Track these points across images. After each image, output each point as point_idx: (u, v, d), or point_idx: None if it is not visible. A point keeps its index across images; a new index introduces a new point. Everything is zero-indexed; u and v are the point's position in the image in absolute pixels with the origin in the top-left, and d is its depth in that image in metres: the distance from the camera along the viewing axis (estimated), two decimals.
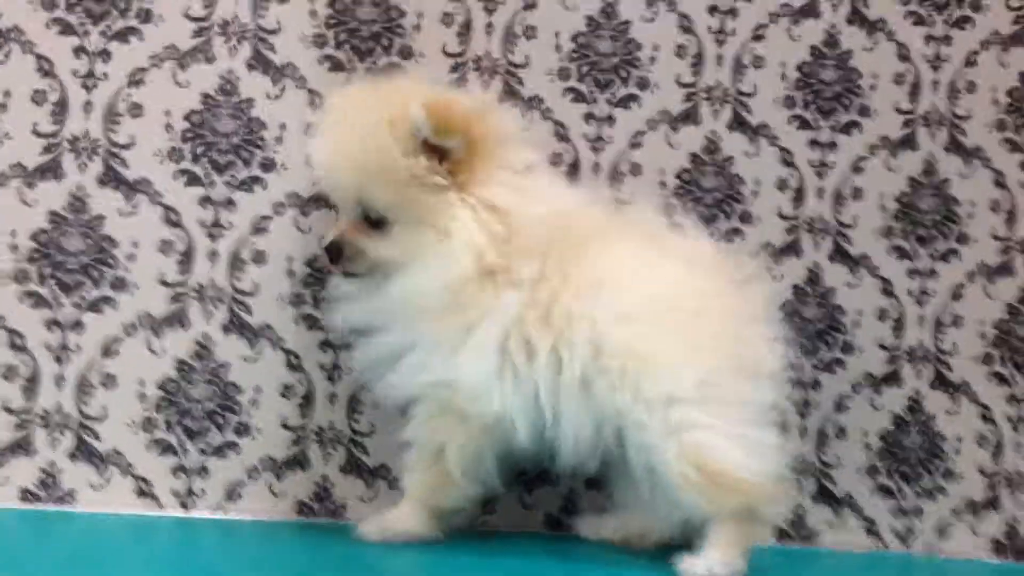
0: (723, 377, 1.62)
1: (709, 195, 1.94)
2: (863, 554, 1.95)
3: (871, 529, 1.98)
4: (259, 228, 1.83)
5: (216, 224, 1.82)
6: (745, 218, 1.95)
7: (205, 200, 1.82)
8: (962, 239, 2.01)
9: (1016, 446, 2.01)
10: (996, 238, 2.02)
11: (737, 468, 1.59)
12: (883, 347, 1.99)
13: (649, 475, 1.63)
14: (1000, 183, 2.02)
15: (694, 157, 1.94)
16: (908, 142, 2.00)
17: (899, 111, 2.00)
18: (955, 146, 2.01)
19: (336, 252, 1.65)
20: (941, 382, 2.00)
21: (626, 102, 1.92)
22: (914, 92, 2.00)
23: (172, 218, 1.81)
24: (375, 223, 1.64)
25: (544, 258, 1.63)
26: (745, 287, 1.69)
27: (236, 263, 1.82)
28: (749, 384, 1.64)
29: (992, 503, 2.01)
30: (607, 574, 1.64)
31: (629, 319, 1.62)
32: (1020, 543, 2.01)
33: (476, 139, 1.64)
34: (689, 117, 1.94)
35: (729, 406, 1.61)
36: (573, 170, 1.90)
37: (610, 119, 1.92)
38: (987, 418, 2.01)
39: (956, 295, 2.01)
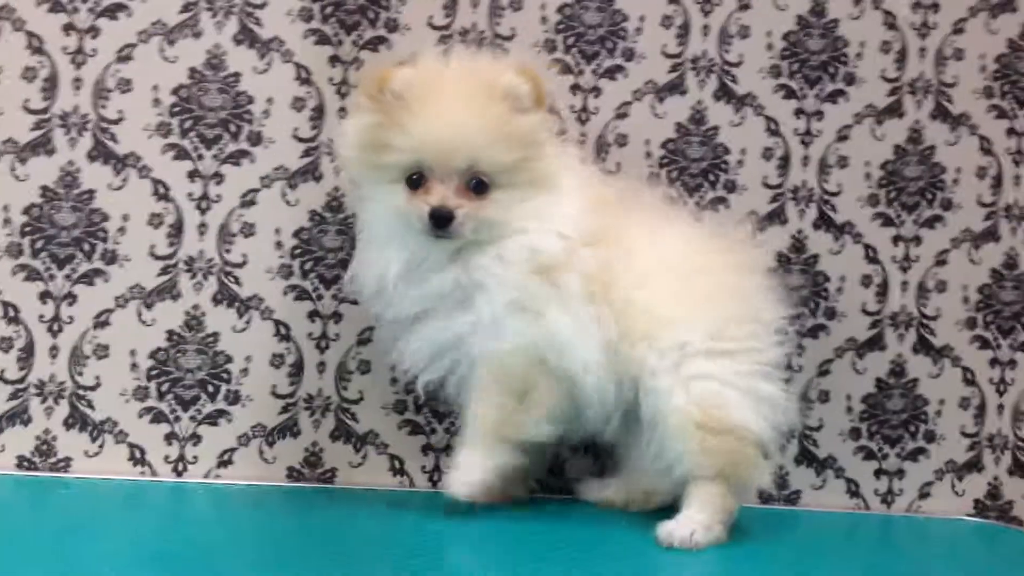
0: (731, 328, 1.62)
1: (695, 165, 1.91)
2: (845, 514, 1.93)
3: (854, 491, 1.96)
4: (247, 201, 1.81)
5: (205, 197, 1.80)
6: (730, 187, 1.92)
7: (194, 173, 1.79)
8: (947, 205, 1.97)
9: (999, 409, 1.99)
10: (982, 204, 1.98)
11: (742, 420, 1.60)
12: (867, 312, 1.96)
13: (654, 422, 1.61)
14: (986, 150, 1.98)
15: (680, 127, 1.91)
16: (894, 110, 1.95)
17: (885, 79, 1.95)
18: (941, 113, 1.96)
19: (445, 217, 1.58)
20: (924, 346, 1.97)
21: (612, 73, 1.88)
22: (901, 60, 1.95)
23: (161, 192, 1.79)
24: (477, 188, 1.60)
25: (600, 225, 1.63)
26: (743, 245, 1.70)
27: (225, 235, 1.80)
28: (754, 334, 1.64)
29: (974, 465, 1.99)
30: (590, 535, 1.63)
31: (646, 279, 1.62)
32: (1002, 503, 1.99)
33: (552, 111, 1.65)
34: (675, 87, 1.90)
35: (738, 358, 1.62)
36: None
37: (596, 90, 1.88)
38: (970, 381, 1.98)
39: (940, 261, 1.97)
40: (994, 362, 1.99)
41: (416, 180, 1.60)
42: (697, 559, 1.56)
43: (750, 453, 1.61)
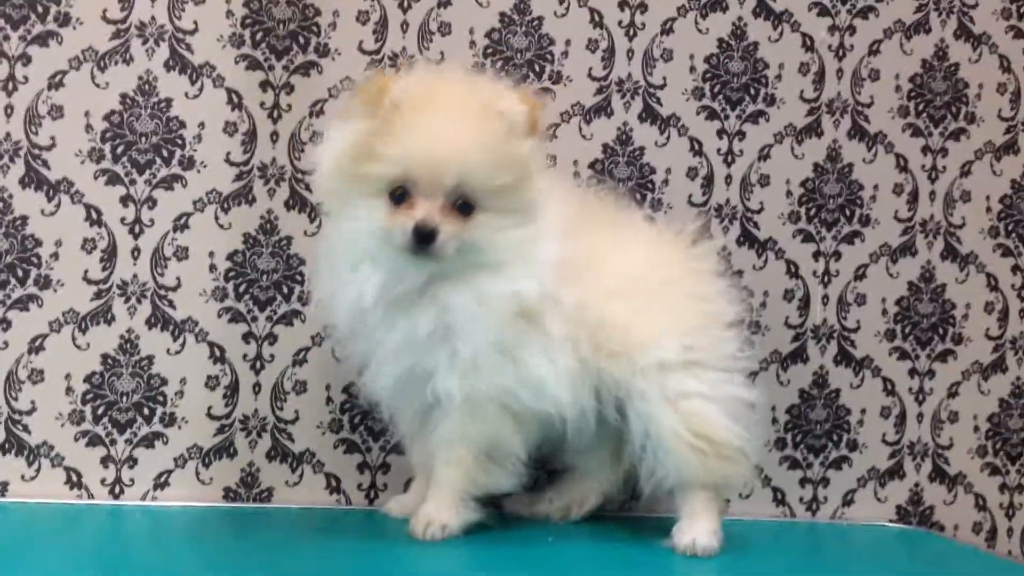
0: (700, 337, 1.63)
1: (622, 184, 1.91)
2: (772, 522, 1.94)
3: (779, 499, 1.97)
4: (180, 225, 1.78)
5: (138, 221, 1.77)
6: (656, 206, 1.92)
7: (126, 198, 1.77)
8: (865, 221, 1.98)
9: (918, 417, 2.01)
10: (898, 220, 2.00)
11: (730, 434, 1.62)
12: (789, 326, 1.97)
13: (644, 440, 1.62)
14: (902, 167, 1.99)
15: (607, 148, 1.91)
16: (813, 129, 1.96)
17: (804, 99, 1.96)
18: (859, 132, 1.98)
19: (429, 233, 1.51)
20: (845, 358, 1.98)
21: (540, 95, 1.87)
22: (819, 81, 1.96)
23: (94, 217, 1.76)
24: (463, 208, 1.54)
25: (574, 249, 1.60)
26: (695, 249, 1.71)
27: (158, 259, 1.78)
28: (720, 338, 1.65)
29: (896, 472, 2.00)
30: (531, 552, 1.62)
31: (616, 295, 1.61)
32: (923, 509, 2.01)
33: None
34: (601, 109, 1.91)
35: (711, 367, 1.63)
36: None
37: None
38: (890, 391, 2.00)
39: (860, 275, 1.99)
40: (913, 372, 2.00)
41: (399, 196, 1.53)
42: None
43: (744, 458, 1.64)
